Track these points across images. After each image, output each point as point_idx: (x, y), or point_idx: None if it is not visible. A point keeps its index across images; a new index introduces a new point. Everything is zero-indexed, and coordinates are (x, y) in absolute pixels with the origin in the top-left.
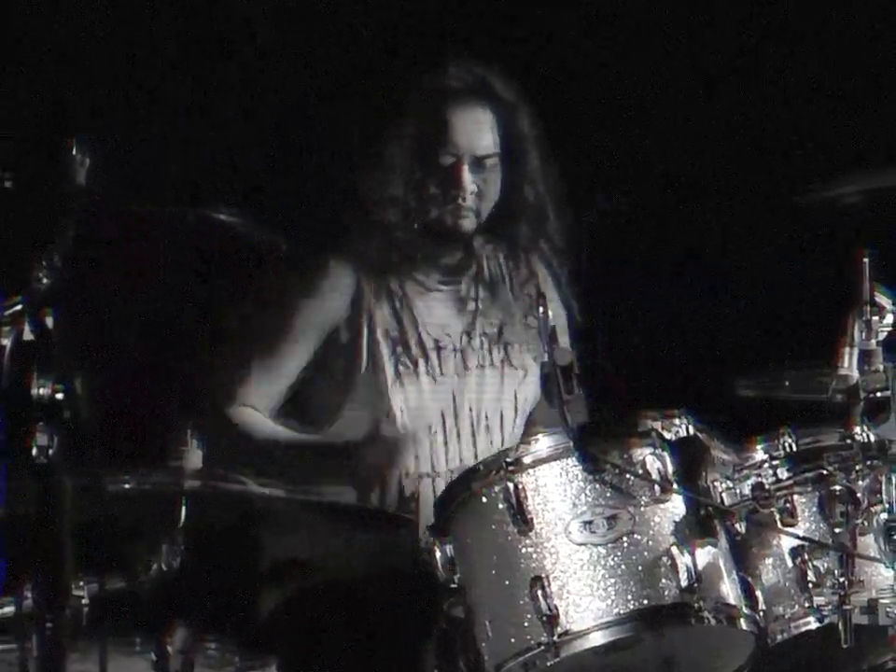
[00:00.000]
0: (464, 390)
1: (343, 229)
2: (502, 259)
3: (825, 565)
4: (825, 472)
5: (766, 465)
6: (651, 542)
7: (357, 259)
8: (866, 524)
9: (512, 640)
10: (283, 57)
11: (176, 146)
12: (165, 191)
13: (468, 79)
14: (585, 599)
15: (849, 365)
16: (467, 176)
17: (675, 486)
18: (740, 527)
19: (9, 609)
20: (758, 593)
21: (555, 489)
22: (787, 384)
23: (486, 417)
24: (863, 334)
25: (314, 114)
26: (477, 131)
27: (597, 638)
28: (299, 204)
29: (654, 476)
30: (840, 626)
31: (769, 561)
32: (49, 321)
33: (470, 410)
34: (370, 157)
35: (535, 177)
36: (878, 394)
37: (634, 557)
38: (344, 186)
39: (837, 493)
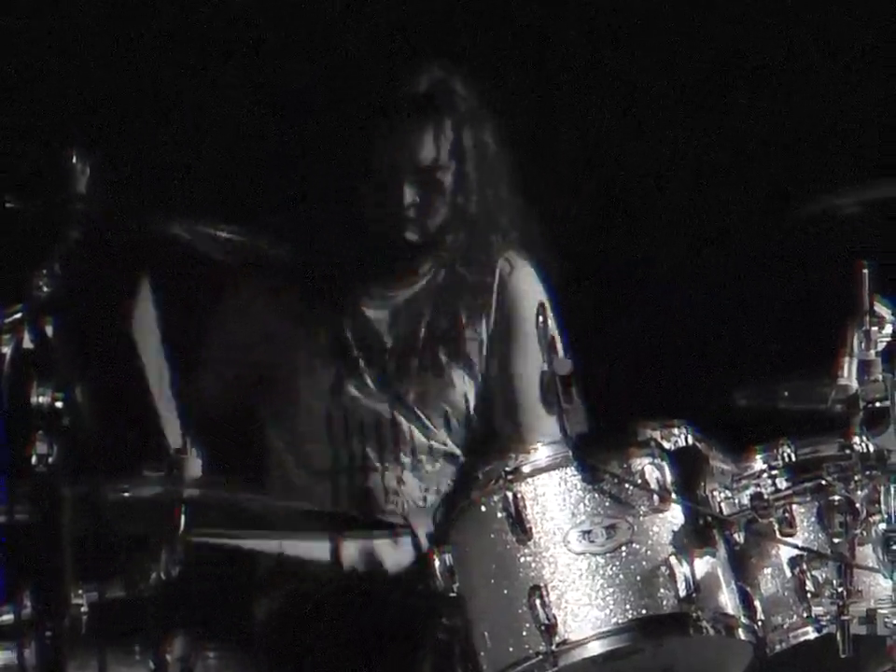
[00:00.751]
0: (406, 394)
1: (290, 237)
2: (455, 268)
3: (824, 575)
4: (824, 482)
5: (765, 475)
6: (649, 552)
7: (303, 270)
8: (865, 534)
9: (511, 649)
10: (255, 67)
11: (168, 154)
12: (160, 201)
13: (415, 90)
14: (584, 609)
15: (849, 375)
16: (407, 188)
17: (673, 496)
18: (739, 537)
19: (8, 617)
20: (756, 602)
21: (554, 498)
22: (786, 394)
23: (429, 420)
24: (863, 344)
25: (276, 122)
26: (419, 142)
27: (596, 648)
28: (250, 213)
29: (653, 486)
30: (838, 637)
31: (768, 571)
32: (49, 329)
33: (414, 410)
34: (323, 167)
35: (483, 190)
36: (877, 404)
37: (632, 567)
38: (297, 194)
39: (836, 503)
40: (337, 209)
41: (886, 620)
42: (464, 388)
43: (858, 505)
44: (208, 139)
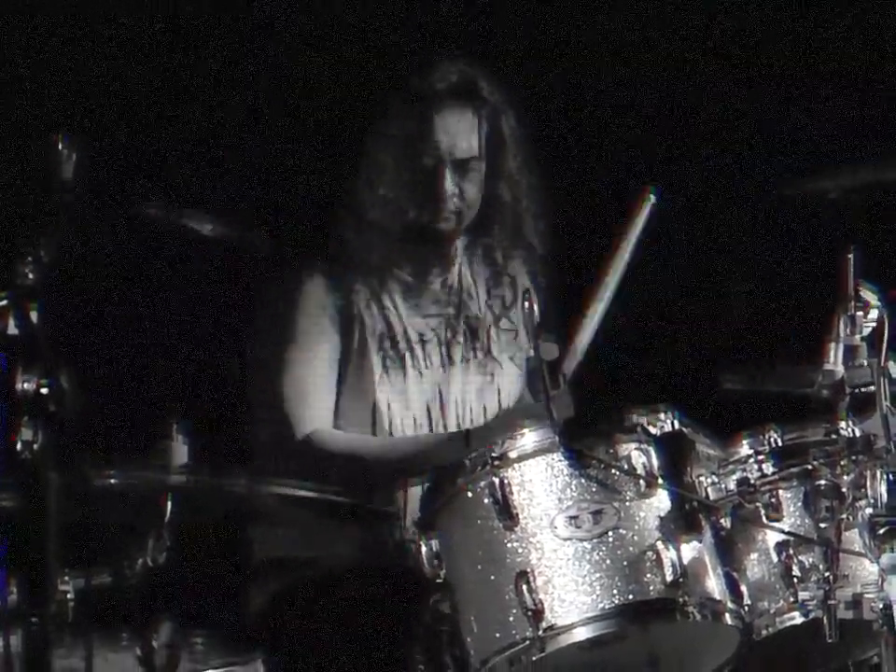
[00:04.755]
0: (449, 383)
1: (329, 227)
2: (480, 259)
3: (810, 560)
4: (810, 467)
5: (752, 460)
6: (636, 537)
7: (344, 258)
8: (851, 518)
9: (498, 635)
10: (270, 55)
11: (161, 144)
12: (149, 190)
13: (452, 80)
14: (570, 594)
15: (835, 360)
16: (447, 179)
17: (660, 481)
18: (725, 522)
19: None
20: (743, 588)
21: (541, 484)
22: (772, 378)
23: (471, 410)
24: (848, 330)
25: (299, 113)
26: (459, 133)
27: (582, 633)
28: (285, 204)
29: (639, 471)
30: (825, 621)
31: (754, 556)
32: (35, 316)
33: (456, 402)
34: (359, 157)
35: (515, 180)
36: (863, 389)
37: (619, 552)
38: (332, 185)
39: (822, 488)
40: (376, 198)
41: (872, 604)
42: (506, 377)
43: (844, 490)
44: (225, 130)
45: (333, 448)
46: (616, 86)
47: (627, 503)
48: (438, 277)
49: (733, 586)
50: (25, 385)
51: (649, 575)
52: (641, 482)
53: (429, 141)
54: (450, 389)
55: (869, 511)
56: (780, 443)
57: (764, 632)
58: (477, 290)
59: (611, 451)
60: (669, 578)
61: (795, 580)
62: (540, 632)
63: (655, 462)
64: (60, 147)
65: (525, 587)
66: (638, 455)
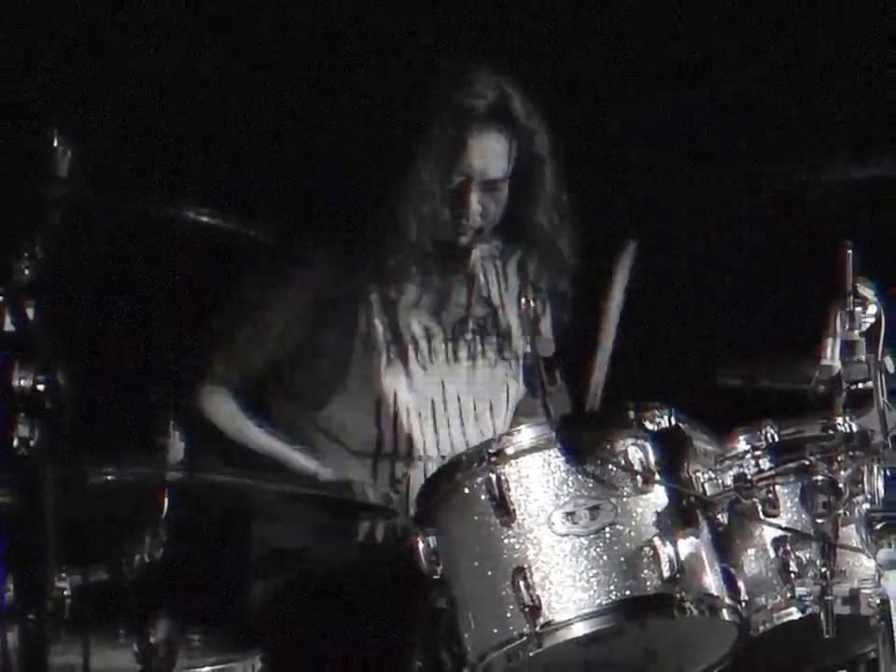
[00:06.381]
0: (453, 380)
1: (357, 234)
2: (514, 271)
3: (807, 555)
4: (807, 463)
5: (748, 455)
6: (633, 533)
7: (358, 255)
8: (848, 514)
9: (495, 631)
10: (303, 58)
11: (168, 143)
12: (155, 188)
13: (490, 100)
14: (567, 590)
15: (832, 356)
16: (474, 199)
17: (657, 477)
18: (722, 518)
19: None
20: (740, 583)
21: (538, 480)
22: (769, 373)
23: (475, 407)
24: (846, 325)
25: (335, 118)
26: (492, 156)
27: (579, 629)
28: (312, 205)
29: (636, 467)
30: (822, 617)
31: (751, 552)
32: (31, 312)
33: (458, 399)
34: (404, 176)
35: (551, 201)
36: (860, 385)
37: (616, 548)
38: (366, 193)
39: (819, 483)
40: (422, 217)
41: (869, 600)
42: (509, 372)
43: (841, 485)
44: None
45: (206, 411)
46: (609, 75)
47: (624, 499)
48: (451, 274)
49: (730, 582)
50: (22, 382)
51: (646, 571)
52: (638, 477)
53: (462, 162)
54: (453, 386)
55: (866, 506)
56: (777, 439)
57: (762, 627)
58: (490, 292)
59: (608, 447)
60: (666, 573)
61: (792, 575)
62: (538, 628)
63: (652, 458)
64: (55, 143)
65: (522, 583)
66: (635, 451)
